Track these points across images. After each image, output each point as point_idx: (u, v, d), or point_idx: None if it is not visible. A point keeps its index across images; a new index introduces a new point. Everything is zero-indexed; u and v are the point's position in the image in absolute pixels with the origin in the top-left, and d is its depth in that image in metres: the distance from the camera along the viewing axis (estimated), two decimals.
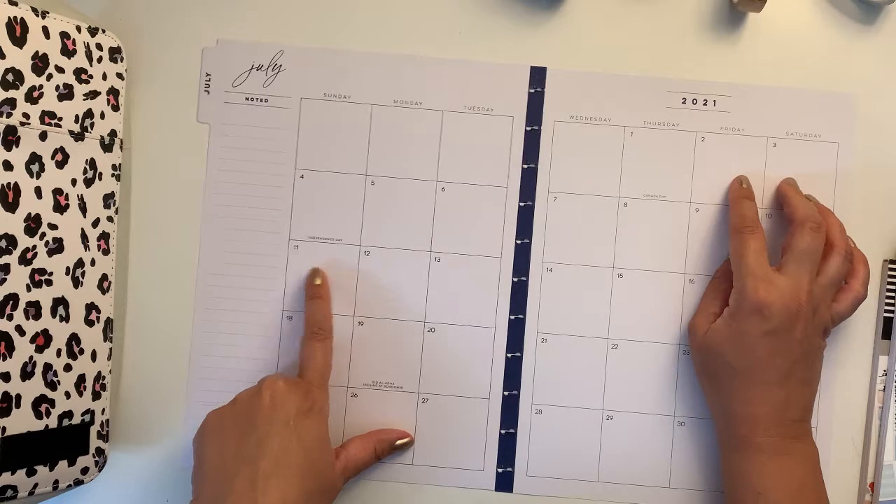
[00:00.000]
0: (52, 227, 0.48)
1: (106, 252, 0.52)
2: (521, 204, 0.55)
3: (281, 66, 0.55)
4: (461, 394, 0.55)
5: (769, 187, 0.55)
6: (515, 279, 0.55)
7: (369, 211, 0.55)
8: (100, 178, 0.51)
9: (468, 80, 0.55)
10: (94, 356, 0.51)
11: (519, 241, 0.55)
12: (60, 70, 0.49)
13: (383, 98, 0.55)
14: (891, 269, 0.55)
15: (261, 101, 0.55)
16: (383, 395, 0.55)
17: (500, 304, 0.55)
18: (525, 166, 0.55)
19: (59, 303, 0.49)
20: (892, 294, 0.55)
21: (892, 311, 0.55)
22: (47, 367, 0.48)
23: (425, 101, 0.55)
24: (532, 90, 0.55)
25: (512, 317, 0.55)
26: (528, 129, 0.55)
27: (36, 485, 0.48)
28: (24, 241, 0.47)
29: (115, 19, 0.55)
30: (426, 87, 0.55)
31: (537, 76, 0.55)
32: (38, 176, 0.48)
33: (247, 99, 0.55)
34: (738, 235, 0.51)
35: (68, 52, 0.49)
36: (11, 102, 0.46)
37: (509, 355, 0.55)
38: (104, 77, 0.52)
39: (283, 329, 0.55)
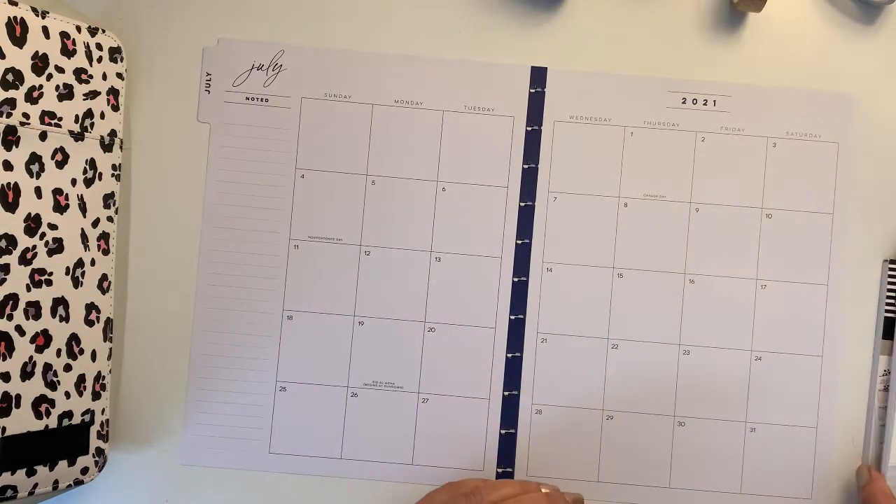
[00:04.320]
0: (52, 227, 0.48)
1: (106, 252, 0.52)
2: (522, 204, 0.55)
3: (281, 65, 0.55)
4: (461, 394, 0.55)
5: (769, 187, 0.55)
6: (515, 279, 0.55)
7: (369, 211, 0.55)
8: (100, 178, 0.51)
9: (468, 80, 0.55)
10: (94, 356, 0.51)
11: (519, 241, 0.55)
12: (60, 70, 0.49)
13: (384, 98, 0.55)
14: (891, 269, 0.55)
15: (261, 100, 0.55)
16: (383, 395, 0.55)
17: (500, 304, 0.55)
18: (525, 166, 0.55)
19: (59, 303, 0.49)
20: (893, 294, 0.55)
21: (892, 311, 0.55)
22: (47, 367, 0.48)
23: (426, 101, 0.55)
24: (532, 90, 0.55)
25: (512, 317, 0.55)
26: (529, 129, 0.55)
27: (36, 485, 0.48)
28: (24, 241, 0.47)
29: (115, 19, 0.55)
30: (427, 87, 0.55)
31: (538, 76, 0.55)
32: (38, 176, 0.48)
33: (247, 99, 0.55)
34: None
35: (68, 52, 0.49)
36: (11, 102, 0.46)
37: (509, 355, 0.55)
38: (104, 77, 0.52)
39: (283, 329, 0.55)
